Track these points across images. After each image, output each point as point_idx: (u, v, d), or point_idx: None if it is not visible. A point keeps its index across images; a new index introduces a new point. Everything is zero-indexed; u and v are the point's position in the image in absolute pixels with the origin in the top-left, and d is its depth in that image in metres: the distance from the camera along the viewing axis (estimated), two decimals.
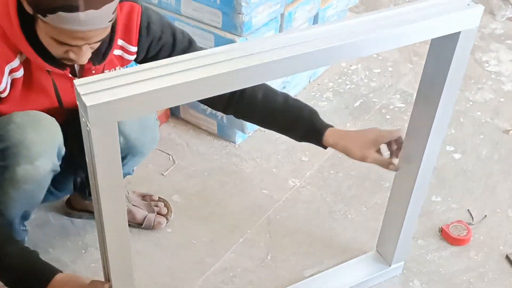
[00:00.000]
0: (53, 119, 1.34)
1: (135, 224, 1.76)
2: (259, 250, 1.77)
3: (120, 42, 1.36)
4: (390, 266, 1.68)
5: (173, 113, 2.20)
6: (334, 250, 1.77)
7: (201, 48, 1.44)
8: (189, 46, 1.43)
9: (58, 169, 1.37)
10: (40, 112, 1.32)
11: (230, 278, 1.67)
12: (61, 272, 1.28)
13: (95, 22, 1.13)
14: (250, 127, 2.08)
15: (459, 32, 1.15)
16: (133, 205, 1.75)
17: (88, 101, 0.86)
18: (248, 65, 0.97)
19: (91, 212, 1.55)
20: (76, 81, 0.89)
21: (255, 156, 2.08)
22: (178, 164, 2.03)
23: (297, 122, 1.43)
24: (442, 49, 1.21)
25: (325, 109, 2.31)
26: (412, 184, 1.46)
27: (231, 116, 2.04)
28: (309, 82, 2.41)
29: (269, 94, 1.43)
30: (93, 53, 1.25)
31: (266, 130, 2.16)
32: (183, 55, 0.97)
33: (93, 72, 1.32)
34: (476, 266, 1.74)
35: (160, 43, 1.41)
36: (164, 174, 1.98)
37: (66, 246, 1.72)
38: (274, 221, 1.85)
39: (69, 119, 1.33)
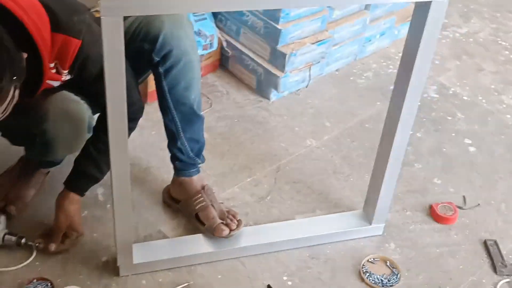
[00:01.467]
0: (79, 101, 1.57)
1: (200, 222, 1.79)
2: (261, 190, 2.00)
3: (52, 64, 1.46)
4: (370, 224, 1.86)
5: (223, 64, 2.46)
6: (327, 203, 1.97)
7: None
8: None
9: (91, 134, 1.65)
10: (67, 98, 1.56)
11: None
12: None
13: None
14: (284, 86, 2.31)
15: (430, 2, 1.37)
16: (211, 204, 1.79)
17: None
18: None
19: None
20: None
21: (283, 114, 2.30)
22: (214, 107, 2.30)
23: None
24: (418, 16, 1.43)
25: (361, 86, 2.49)
26: (389, 149, 1.65)
27: (270, 74, 2.30)
28: (355, 60, 2.60)
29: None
30: (21, 92, 1.40)
31: (300, 93, 2.41)
32: None
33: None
34: (451, 243, 1.89)
35: (87, 74, 1.53)
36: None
37: None
38: (282, 170, 2.08)
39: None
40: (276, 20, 2.19)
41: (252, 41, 2.31)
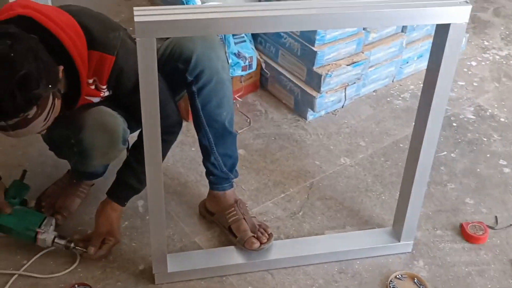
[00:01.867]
0: (115, 115, 1.69)
1: (233, 234, 1.86)
2: (294, 206, 2.07)
3: (91, 80, 1.60)
4: (399, 241, 1.90)
5: (263, 84, 2.55)
6: (357, 220, 2.03)
7: None
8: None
9: (126, 146, 1.78)
10: (103, 111, 1.68)
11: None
12: None
13: (28, 133, 1.46)
14: (320, 106, 2.38)
15: (449, 24, 1.42)
16: (243, 218, 1.87)
17: (137, 18, 1.27)
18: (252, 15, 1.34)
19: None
20: (136, 8, 1.29)
21: (319, 133, 2.37)
22: (253, 126, 2.39)
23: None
24: (439, 38, 1.49)
25: (398, 107, 2.54)
26: (415, 168, 1.70)
27: (306, 94, 2.37)
28: (392, 81, 2.65)
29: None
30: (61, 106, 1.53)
31: (337, 113, 2.47)
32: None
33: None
34: (481, 262, 1.91)
35: (122, 88, 1.64)
36: (239, 132, 2.34)
37: None
38: (315, 187, 2.14)
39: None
40: (312, 43, 2.27)
41: (290, 62, 2.40)
